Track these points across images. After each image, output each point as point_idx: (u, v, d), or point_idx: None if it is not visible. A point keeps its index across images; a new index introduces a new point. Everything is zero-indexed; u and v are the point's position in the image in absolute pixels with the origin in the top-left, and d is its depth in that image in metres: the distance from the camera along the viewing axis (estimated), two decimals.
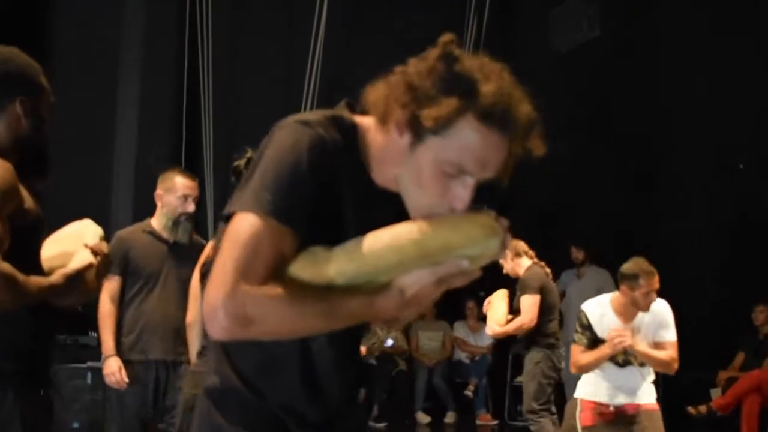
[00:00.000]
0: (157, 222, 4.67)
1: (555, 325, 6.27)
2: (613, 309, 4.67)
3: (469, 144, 1.54)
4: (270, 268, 1.52)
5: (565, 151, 9.43)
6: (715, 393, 8.35)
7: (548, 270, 6.39)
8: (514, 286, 6.37)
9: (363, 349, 8.75)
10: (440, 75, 1.55)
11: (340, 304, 1.54)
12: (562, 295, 9.31)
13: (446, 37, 1.59)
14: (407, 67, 1.60)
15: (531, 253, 6.39)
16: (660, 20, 9.30)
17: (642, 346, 4.57)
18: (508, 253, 6.20)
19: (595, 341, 4.65)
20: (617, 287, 4.63)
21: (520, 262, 6.34)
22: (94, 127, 8.46)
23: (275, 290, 1.51)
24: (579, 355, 4.68)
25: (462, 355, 9.89)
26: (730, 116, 8.70)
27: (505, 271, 6.33)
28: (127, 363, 4.50)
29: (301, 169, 1.55)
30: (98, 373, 6.70)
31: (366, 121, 1.67)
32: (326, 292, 1.54)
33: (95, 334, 7.73)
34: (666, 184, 9.40)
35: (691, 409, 8.05)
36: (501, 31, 9.35)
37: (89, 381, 6.98)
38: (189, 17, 9.00)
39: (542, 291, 6.19)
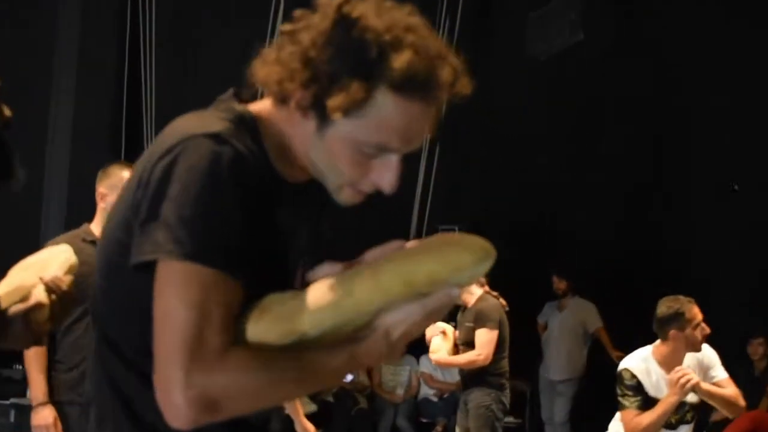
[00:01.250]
0: (98, 227, 4.20)
1: (506, 363, 6.40)
2: (656, 361, 4.47)
3: (388, 121, 1.46)
4: (224, 331, 1.40)
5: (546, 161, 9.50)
6: None
7: (503, 301, 6.52)
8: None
9: None
10: (340, 46, 1.45)
11: (318, 363, 1.46)
12: (544, 327, 9.40)
13: None
14: (297, 27, 1.50)
15: (482, 280, 6.44)
16: (651, 23, 9.39)
17: (705, 384, 4.38)
18: None
19: (647, 402, 4.41)
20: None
21: (471, 289, 6.41)
22: (25, 133, 8.41)
23: (239, 362, 1.41)
24: (636, 418, 4.35)
25: (429, 392, 9.79)
26: (729, 127, 8.78)
27: None
28: (64, 406, 4.17)
29: (226, 198, 1.43)
30: (24, 410, 6.57)
31: (263, 108, 1.59)
32: (298, 353, 1.45)
33: (20, 367, 7.61)
34: (658, 204, 9.48)
35: None
36: (475, 36, 9.43)
37: (12, 419, 6.87)
38: (130, 14, 9.01)
39: (499, 325, 6.32)
